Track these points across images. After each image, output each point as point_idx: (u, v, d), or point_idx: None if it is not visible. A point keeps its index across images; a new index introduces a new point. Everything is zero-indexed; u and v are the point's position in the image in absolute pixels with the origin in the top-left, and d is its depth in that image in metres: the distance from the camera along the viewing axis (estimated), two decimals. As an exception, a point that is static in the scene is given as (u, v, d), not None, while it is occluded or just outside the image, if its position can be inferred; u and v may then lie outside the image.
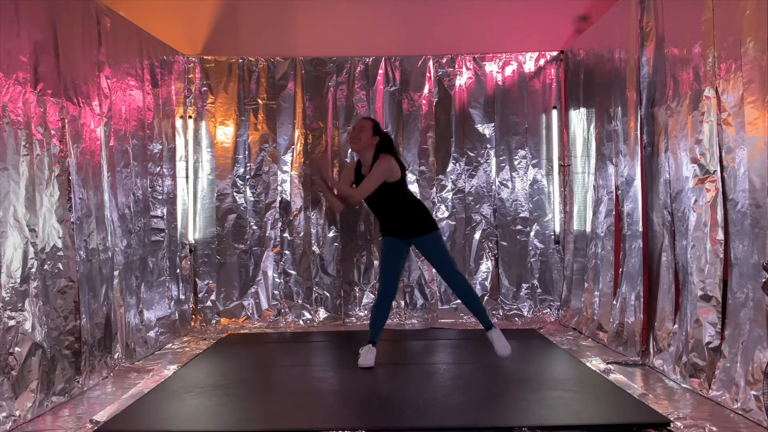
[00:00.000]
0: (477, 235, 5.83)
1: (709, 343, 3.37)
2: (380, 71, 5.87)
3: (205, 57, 5.80)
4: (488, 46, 5.82)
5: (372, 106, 5.86)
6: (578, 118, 5.45)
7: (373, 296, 5.78)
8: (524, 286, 5.80)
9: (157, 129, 5.01)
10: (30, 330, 3.19)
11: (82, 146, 3.84)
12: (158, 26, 5.02)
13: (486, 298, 5.79)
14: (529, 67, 5.89)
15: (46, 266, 3.38)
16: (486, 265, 5.83)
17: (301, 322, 5.71)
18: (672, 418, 2.95)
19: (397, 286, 4.32)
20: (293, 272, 5.81)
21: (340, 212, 4.73)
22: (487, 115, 5.88)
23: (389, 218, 4.21)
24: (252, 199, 5.84)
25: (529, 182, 5.86)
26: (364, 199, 4.16)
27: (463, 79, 5.89)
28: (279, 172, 5.84)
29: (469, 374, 3.95)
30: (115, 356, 4.12)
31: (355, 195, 4.16)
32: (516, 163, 5.87)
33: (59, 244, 3.50)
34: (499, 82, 5.88)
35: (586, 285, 5.19)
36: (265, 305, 5.77)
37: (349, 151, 5.77)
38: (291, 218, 5.83)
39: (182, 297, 5.40)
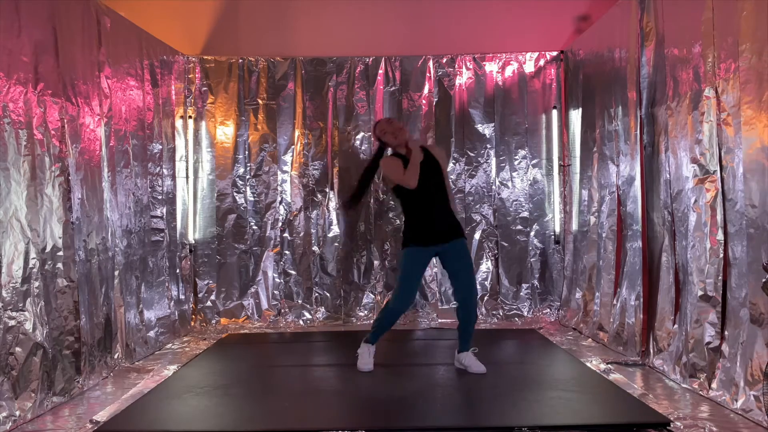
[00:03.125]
0: (477, 235, 5.83)
1: (709, 343, 3.37)
2: (380, 71, 5.87)
3: (205, 57, 5.80)
4: (488, 46, 5.82)
5: (372, 106, 5.87)
6: (578, 118, 5.45)
7: (372, 296, 5.78)
8: (524, 286, 5.80)
9: (157, 129, 5.01)
10: (31, 330, 3.19)
11: (82, 146, 3.84)
12: (158, 26, 5.03)
13: (486, 298, 5.79)
14: (529, 67, 5.89)
15: (46, 266, 3.38)
16: (486, 265, 5.83)
17: (301, 322, 5.71)
18: (672, 418, 2.95)
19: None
20: (293, 272, 5.81)
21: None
22: (487, 115, 5.88)
23: (442, 212, 3.93)
24: (252, 199, 5.84)
25: (529, 182, 5.86)
26: (421, 189, 3.86)
27: (463, 79, 5.89)
28: (279, 172, 5.84)
29: (469, 374, 3.95)
30: (115, 356, 4.12)
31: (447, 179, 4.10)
32: (516, 163, 5.87)
33: (59, 244, 3.50)
34: (499, 82, 5.88)
35: (586, 285, 5.19)
36: (265, 305, 5.78)
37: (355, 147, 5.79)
38: (291, 218, 5.84)
39: (182, 297, 5.40)
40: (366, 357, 4.05)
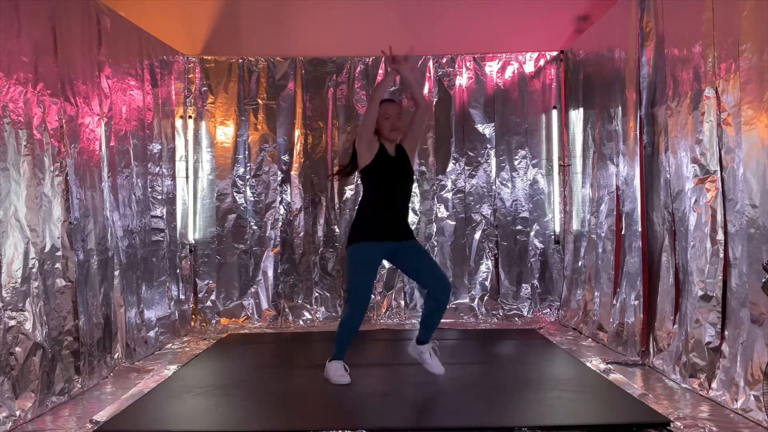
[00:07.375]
0: (477, 235, 5.83)
1: (709, 343, 3.37)
2: (380, 71, 5.86)
3: (205, 57, 5.80)
4: (488, 46, 5.82)
5: (372, 106, 5.86)
6: (578, 118, 5.45)
7: (374, 296, 5.78)
8: (524, 286, 5.80)
9: (157, 129, 5.01)
10: (31, 330, 3.19)
11: (81, 146, 3.84)
12: (158, 26, 5.02)
13: (486, 298, 5.79)
14: (529, 67, 5.89)
15: (46, 266, 3.38)
16: (486, 265, 5.83)
17: (301, 322, 5.71)
18: (672, 418, 2.95)
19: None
20: (293, 272, 5.81)
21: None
22: (487, 115, 5.88)
23: (403, 207, 3.76)
24: (252, 199, 5.84)
25: (529, 182, 5.86)
26: (393, 181, 3.65)
27: (463, 79, 5.89)
28: (279, 172, 5.84)
29: (469, 374, 3.95)
30: (115, 356, 4.12)
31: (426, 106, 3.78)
32: (516, 163, 5.87)
33: (58, 244, 3.50)
34: (499, 82, 5.88)
35: (586, 285, 5.19)
36: (265, 305, 5.77)
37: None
38: (291, 218, 5.84)
39: (182, 297, 5.40)
40: (340, 370, 3.69)
